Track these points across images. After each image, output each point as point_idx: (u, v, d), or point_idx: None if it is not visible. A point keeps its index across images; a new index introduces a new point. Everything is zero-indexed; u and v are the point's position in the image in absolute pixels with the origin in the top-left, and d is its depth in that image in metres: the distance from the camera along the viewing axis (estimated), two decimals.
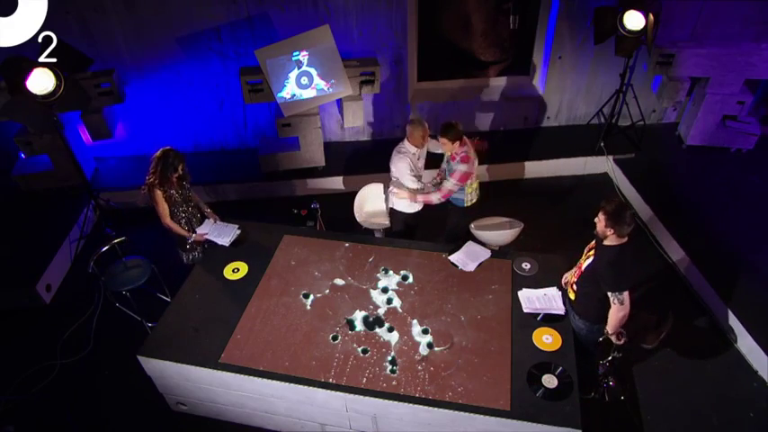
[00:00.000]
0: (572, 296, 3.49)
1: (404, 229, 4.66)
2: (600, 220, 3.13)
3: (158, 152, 3.86)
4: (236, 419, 3.74)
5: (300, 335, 3.52)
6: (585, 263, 3.32)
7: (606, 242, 3.18)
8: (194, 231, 4.14)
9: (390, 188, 4.36)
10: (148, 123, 6.06)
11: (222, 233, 4.15)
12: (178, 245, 4.21)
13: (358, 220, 4.74)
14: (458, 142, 4.05)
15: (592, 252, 3.31)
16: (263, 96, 5.36)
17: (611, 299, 3.18)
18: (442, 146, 4.13)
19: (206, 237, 4.12)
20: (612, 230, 3.07)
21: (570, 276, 3.55)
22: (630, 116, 6.23)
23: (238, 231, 4.21)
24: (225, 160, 6.25)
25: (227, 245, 4.11)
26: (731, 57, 5.44)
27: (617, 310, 3.19)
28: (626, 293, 3.15)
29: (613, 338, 3.34)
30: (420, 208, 4.49)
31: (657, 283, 4.75)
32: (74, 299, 4.76)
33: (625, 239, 3.12)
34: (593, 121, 6.52)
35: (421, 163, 4.36)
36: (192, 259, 4.25)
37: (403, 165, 4.20)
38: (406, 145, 4.21)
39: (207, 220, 4.24)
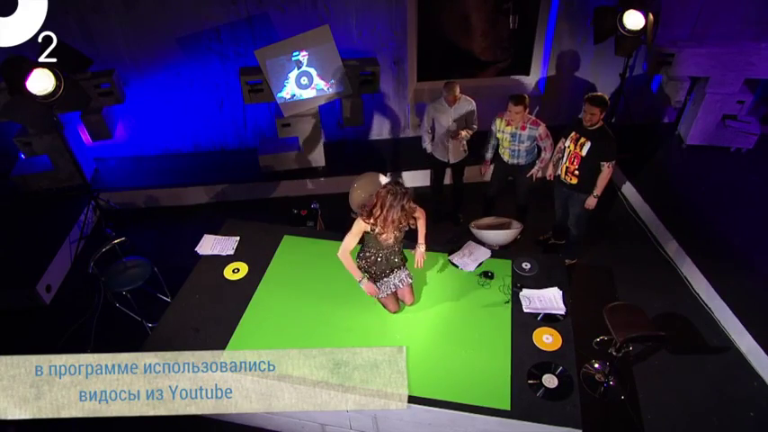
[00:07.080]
0: (574, 181, 4.30)
1: None
2: (595, 114, 3.93)
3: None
4: (236, 420, 3.73)
5: (300, 334, 3.51)
6: (584, 150, 4.11)
7: (595, 127, 4.02)
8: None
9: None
10: (148, 124, 6.06)
11: (225, 246, 4.15)
12: None
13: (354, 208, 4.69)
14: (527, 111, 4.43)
15: (583, 140, 4.11)
16: (262, 96, 5.36)
17: (607, 166, 4.10)
18: (515, 114, 4.35)
19: (210, 252, 4.10)
20: (603, 116, 3.96)
21: (562, 168, 4.36)
22: (630, 116, 6.23)
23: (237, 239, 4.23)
24: (225, 160, 6.26)
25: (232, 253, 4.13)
26: (731, 56, 5.43)
27: (609, 173, 4.15)
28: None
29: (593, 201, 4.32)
30: None
31: (658, 282, 4.77)
32: (74, 299, 4.76)
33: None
34: None
35: (447, 120, 4.76)
36: None
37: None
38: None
39: (206, 236, 4.21)
